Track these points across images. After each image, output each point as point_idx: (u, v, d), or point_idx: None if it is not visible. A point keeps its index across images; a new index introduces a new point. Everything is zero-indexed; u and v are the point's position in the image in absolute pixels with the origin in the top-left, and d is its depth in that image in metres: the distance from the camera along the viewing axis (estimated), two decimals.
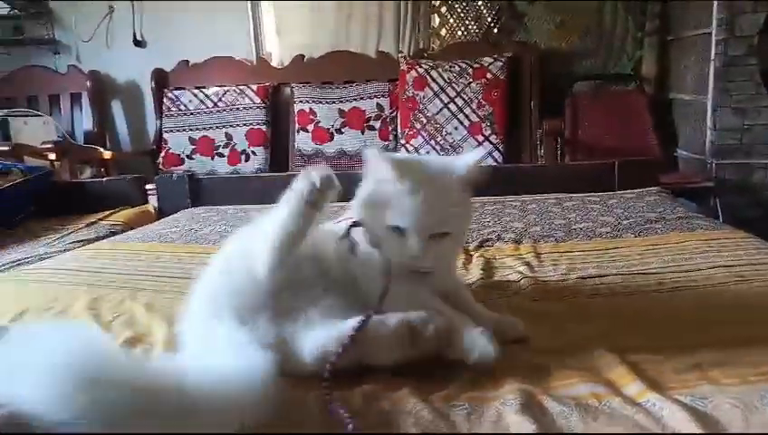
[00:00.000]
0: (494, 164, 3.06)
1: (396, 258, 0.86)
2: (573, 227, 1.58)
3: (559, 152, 3.13)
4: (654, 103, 3.36)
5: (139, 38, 3.80)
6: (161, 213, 2.07)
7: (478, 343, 0.80)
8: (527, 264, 1.32)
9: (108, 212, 2.05)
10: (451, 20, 3.61)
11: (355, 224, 0.90)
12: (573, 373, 0.81)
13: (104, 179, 2.31)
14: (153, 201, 2.22)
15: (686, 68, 3.28)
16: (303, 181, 0.81)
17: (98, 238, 1.77)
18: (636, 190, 1.91)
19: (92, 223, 1.96)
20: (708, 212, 2.24)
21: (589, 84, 3.52)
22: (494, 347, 0.79)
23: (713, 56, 2.92)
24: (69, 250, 1.65)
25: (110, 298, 1.17)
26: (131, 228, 1.88)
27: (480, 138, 3.19)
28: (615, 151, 2.93)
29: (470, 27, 3.60)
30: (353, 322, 0.78)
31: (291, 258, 0.83)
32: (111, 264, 1.45)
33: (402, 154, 0.96)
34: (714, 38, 2.90)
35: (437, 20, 3.63)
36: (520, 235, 1.56)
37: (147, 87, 3.75)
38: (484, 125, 3.19)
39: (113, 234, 1.82)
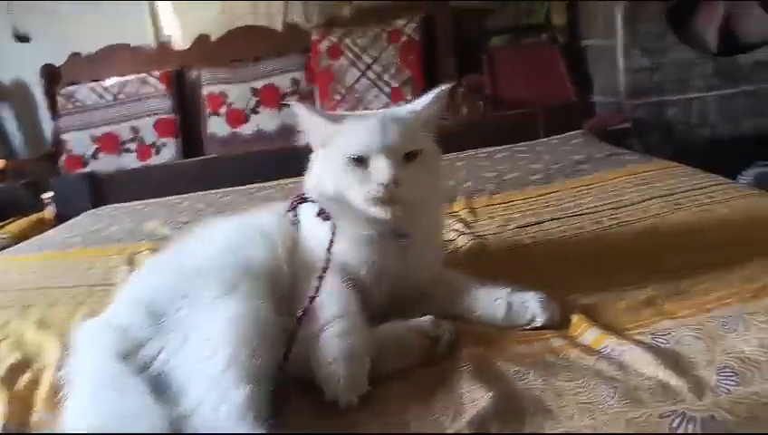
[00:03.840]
0: None
1: (364, 196, 0.74)
2: (504, 178, 1.53)
3: (482, 110, 3.09)
4: (568, 51, 3.37)
5: (20, 32, 3.44)
6: (61, 219, 1.86)
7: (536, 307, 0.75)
8: (462, 220, 1.26)
9: None
10: None
11: (302, 199, 0.81)
12: (525, 330, 0.75)
13: None
14: (53, 209, 2.00)
15: (594, 13, 3.31)
16: None
17: None
18: (560, 135, 1.89)
19: None
20: None
21: (504, 38, 3.50)
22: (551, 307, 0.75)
23: None
24: None
25: None
26: (26, 239, 1.67)
27: (402, 104, 3.09)
28: (535, 103, 2.93)
29: None
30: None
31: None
32: None
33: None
34: None
35: None
36: (452, 192, 1.49)
37: (37, 86, 3.41)
38: (404, 90, 3.10)
39: (3, 248, 1.61)
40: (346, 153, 0.75)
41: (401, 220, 0.77)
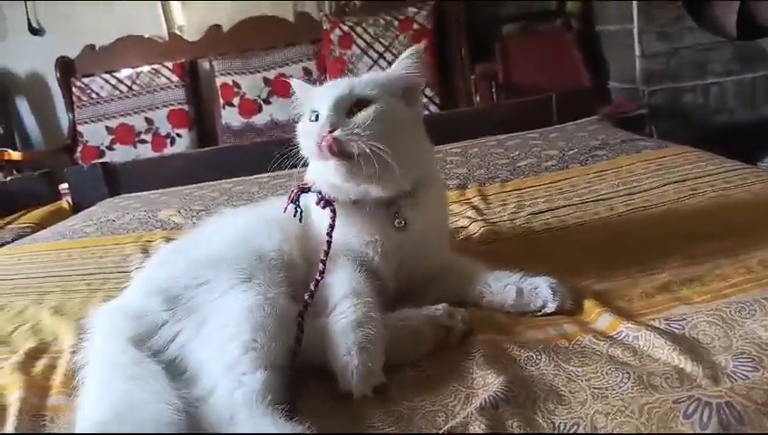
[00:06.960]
0: (430, 113, 2.96)
1: (311, 144, 0.75)
2: (518, 165, 1.52)
3: (494, 97, 3.06)
4: (582, 38, 3.32)
5: (35, 25, 3.46)
6: (78, 208, 1.88)
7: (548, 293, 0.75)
8: (475, 208, 1.25)
9: (15, 215, 1.84)
10: None
11: (301, 191, 0.80)
12: (537, 316, 0.74)
13: (8, 179, 2.08)
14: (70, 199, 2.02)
15: None
16: None
17: (2, 244, 1.58)
18: (576, 122, 1.86)
19: None
20: None
21: (517, 26, 3.46)
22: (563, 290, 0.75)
23: None
24: None
25: (10, 307, 1.02)
26: (44, 229, 1.69)
27: None
28: (549, 90, 2.89)
29: None
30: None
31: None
32: (14, 270, 1.28)
33: None
34: None
35: None
36: (464, 180, 1.48)
37: (52, 78, 3.43)
38: None
39: (21, 237, 1.63)
40: (310, 109, 0.79)
41: (358, 175, 0.75)
